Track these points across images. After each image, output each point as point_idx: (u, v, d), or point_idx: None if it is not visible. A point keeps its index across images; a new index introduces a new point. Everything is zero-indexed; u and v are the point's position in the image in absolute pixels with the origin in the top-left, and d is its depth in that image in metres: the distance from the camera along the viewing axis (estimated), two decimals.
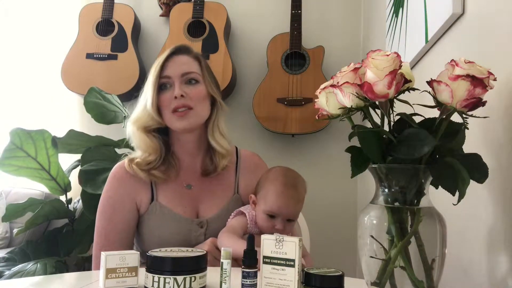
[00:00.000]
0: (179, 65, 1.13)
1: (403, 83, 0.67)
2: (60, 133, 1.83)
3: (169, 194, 1.14)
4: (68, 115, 2.50)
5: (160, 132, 1.16)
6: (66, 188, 1.92)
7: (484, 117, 0.70)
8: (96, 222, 1.15)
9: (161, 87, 1.13)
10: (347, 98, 0.68)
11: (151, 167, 1.12)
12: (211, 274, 0.77)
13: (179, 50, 1.16)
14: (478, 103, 0.63)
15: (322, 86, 0.73)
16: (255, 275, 0.70)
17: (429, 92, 0.67)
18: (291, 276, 0.69)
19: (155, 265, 0.72)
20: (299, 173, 1.10)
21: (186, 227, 1.11)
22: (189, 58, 1.16)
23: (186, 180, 1.17)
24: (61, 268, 1.68)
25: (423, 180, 0.68)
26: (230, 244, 0.93)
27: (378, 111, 0.70)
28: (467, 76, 0.62)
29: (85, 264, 1.87)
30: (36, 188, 2.24)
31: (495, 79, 0.64)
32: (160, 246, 1.04)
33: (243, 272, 0.70)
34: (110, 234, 1.12)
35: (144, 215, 1.14)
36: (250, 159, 1.26)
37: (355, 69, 0.70)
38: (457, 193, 0.66)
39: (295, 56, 2.31)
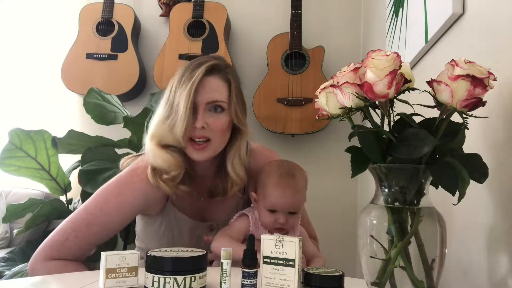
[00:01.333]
0: (208, 92, 1.04)
1: (403, 83, 0.67)
2: (60, 133, 1.83)
3: (181, 199, 1.13)
4: (68, 115, 2.51)
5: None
6: (66, 188, 1.92)
7: (484, 117, 0.70)
8: (89, 204, 1.06)
9: None
10: (347, 98, 0.68)
11: (176, 183, 1.06)
12: (211, 274, 0.77)
13: (212, 70, 1.05)
14: (478, 103, 0.64)
15: (322, 86, 0.73)
16: (255, 275, 0.70)
17: (429, 92, 0.67)
18: (291, 276, 0.69)
19: (155, 265, 0.72)
20: None
21: (197, 231, 1.12)
22: (220, 81, 1.06)
23: (196, 191, 1.14)
24: None
25: (423, 180, 0.68)
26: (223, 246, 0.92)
27: (378, 111, 0.70)
28: (467, 76, 0.62)
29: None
30: (36, 188, 2.24)
31: (495, 79, 0.64)
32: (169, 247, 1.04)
33: (243, 272, 0.70)
34: (95, 226, 1.04)
35: (157, 217, 1.12)
36: (260, 160, 1.19)
37: (355, 69, 0.70)
38: (457, 193, 0.66)
39: (295, 56, 2.31)
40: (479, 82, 0.62)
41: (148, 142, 1.07)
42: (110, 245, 1.74)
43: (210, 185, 1.14)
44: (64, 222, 1.05)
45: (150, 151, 1.06)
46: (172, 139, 1.03)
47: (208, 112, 1.04)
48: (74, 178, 1.85)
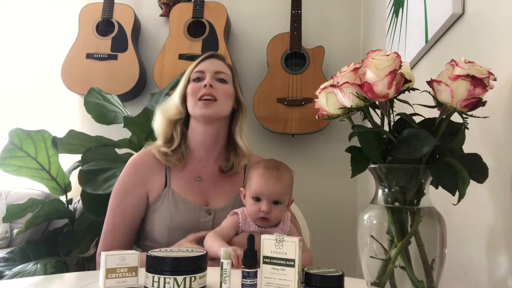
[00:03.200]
0: (213, 64, 1.24)
1: (403, 83, 0.67)
2: (60, 133, 1.83)
3: (181, 183, 1.21)
4: (68, 115, 2.51)
5: (182, 124, 1.24)
6: (66, 188, 1.92)
7: (484, 117, 0.70)
8: (109, 203, 1.22)
9: (194, 79, 1.22)
10: (347, 98, 0.68)
11: (166, 152, 1.21)
12: (211, 274, 0.77)
13: (216, 55, 1.28)
14: (478, 103, 0.63)
15: (322, 86, 0.73)
16: (255, 275, 0.70)
17: (429, 92, 0.67)
18: (291, 276, 0.69)
19: (155, 265, 0.72)
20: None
21: (195, 214, 1.17)
22: (223, 63, 1.27)
23: (198, 172, 1.23)
24: (61, 268, 1.68)
25: (423, 180, 0.68)
26: (210, 244, 0.97)
27: (378, 111, 0.70)
28: (467, 76, 0.62)
29: (85, 264, 1.87)
30: (36, 188, 2.24)
31: (495, 79, 0.64)
32: (170, 232, 1.12)
33: (243, 272, 0.70)
34: (117, 216, 1.18)
35: (156, 201, 1.19)
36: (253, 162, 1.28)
37: (355, 69, 0.70)
38: (457, 193, 0.66)
39: (295, 56, 2.31)
40: (479, 82, 0.62)
41: (157, 114, 1.27)
42: None
43: (218, 163, 1.25)
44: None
45: (158, 120, 1.25)
46: (173, 108, 1.22)
47: (215, 80, 1.21)
48: (74, 178, 1.85)
